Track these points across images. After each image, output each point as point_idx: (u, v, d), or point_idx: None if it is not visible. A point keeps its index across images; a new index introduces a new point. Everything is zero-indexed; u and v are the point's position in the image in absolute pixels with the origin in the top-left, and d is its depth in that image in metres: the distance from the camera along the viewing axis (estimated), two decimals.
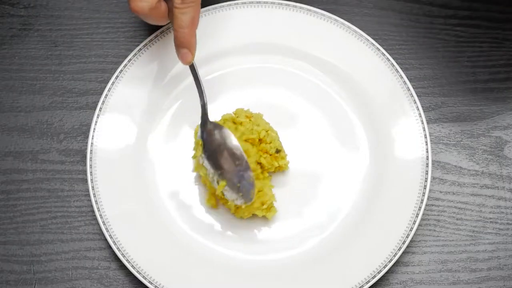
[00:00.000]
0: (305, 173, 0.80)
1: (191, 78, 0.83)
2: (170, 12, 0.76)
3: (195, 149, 0.78)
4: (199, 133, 0.78)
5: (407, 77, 0.82)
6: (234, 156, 0.76)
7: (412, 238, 0.78)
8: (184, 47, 0.76)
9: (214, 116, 0.79)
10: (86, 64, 0.86)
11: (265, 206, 0.77)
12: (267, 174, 0.78)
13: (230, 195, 0.76)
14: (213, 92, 0.83)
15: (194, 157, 0.79)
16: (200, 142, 0.77)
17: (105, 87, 0.82)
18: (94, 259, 0.79)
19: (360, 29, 0.83)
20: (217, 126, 0.77)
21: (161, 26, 0.83)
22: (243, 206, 0.76)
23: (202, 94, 0.78)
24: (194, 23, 0.75)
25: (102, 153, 0.79)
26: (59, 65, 0.86)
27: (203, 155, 0.77)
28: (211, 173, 0.76)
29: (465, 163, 0.82)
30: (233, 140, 0.76)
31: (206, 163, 0.76)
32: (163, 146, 0.81)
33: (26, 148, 0.82)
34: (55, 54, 0.86)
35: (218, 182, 0.76)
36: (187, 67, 0.80)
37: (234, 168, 0.75)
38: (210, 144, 0.76)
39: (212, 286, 0.76)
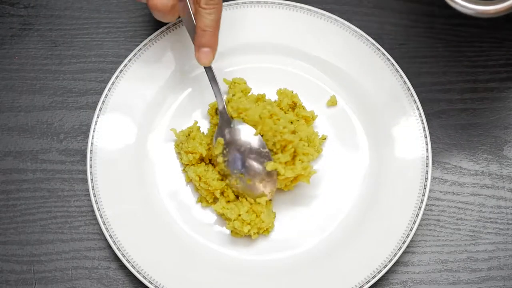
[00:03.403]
0: None
1: (191, 77, 0.83)
2: (181, 10, 0.76)
3: (214, 148, 0.78)
4: (218, 132, 0.78)
5: (407, 77, 0.82)
6: (260, 154, 0.76)
7: (412, 238, 0.78)
8: (207, 46, 0.76)
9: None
10: (86, 64, 0.86)
11: (261, 231, 0.78)
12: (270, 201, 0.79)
13: (241, 187, 0.76)
14: (213, 92, 0.83)
15: (184, 170, 0.80)
16: (222, 142, 0.77)
17: (105, 87, 0.82)
18: (94, 259, 0.79)
19: (360, 29, 0.83)
20: (241, 123, 0.77)
21: (161, 26, 0.83)
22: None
23: (221, 97, 0.78)
24: (218, 23, 0.76)
25: (102, 153, 0.79)
26: (59, 65, 0.86)
27: (225, 153, 0.77)
28: (234, 171, 0.77)
29: (465, 163, 0.82)
30: (257, 138, 0.76)
31: (228, 162, 0.77)
32: (163, 146, 0.81)
33: (26, 148, 0.82)
34: (55, 54, 0.86)
35: (239, 177, 0.76)
36: (187, 66, 0.80)
37: (259, 165, 0.76)
38: (235, 144, 0.77)
39: (212, 286, 0.76)
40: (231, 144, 0.77)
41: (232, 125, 0.77)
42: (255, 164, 0.76)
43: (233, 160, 0.77)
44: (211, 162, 0.80)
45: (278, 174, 0.76)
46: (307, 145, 0.79)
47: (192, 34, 0.77)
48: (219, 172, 0.78)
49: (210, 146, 0.79)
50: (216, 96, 0.78)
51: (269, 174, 0.76)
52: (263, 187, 0.77)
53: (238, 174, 0.77)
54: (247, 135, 0.77)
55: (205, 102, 0.82)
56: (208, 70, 0.78)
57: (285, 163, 0.76)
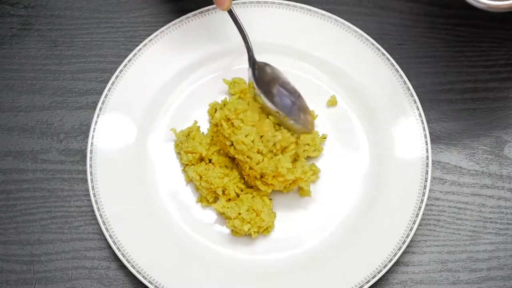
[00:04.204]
0: None
1: (191, 77, 0.83)
2: None
3: (248, 91, 0.79)
4: (249, 74, 0.78)
5: (407, 77, 0.82)
6: (289, 89, 0.77)
7: (412, 238, 0.78)
8: None
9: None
10: (86, 64, 0.86)
11: (261, 230, 0.78)
12: (270, 199, 0.79)
13: (293, 124, 0.76)
14: (213, 92, 0.83)
15: (184, 170, 0.80)
16: (252, 84, 0.78)
17: (105, 87, 0.82)
18: (94, 259, 0.79)
19: (360, 29, 0.83)
20: (266, 63, 0.78)
21: (161, 26, 0.83)
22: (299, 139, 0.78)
23: (245, 35, 0.79)
24: None
25: (102, 153, 0.79)
26: (59, 65, 0.86)
27: (260, 94, 0.77)
28: (273, 109, 0.77)
29: (465, 163, 0.82)
30: (283, 74, 0.78)
31: (264, 100, 0.77)
32: (163, 146, 0.81)
33: (26, 148, 0.82)
34: (55, 54, 0.86)
35: (280, 115, 0.76)
36: (187, 66, 0.80)
37: (291, 100, 0.77)
38: (264, 80, 0.78)
39: (212, 286, 0.76)
40: (260, 81, 0.78)
41: (258, 64, 0.78)
42: (287, 101, 0.78)
43: (273, 98, 0.77)
44: (211, 161, 0.80)
45: (279, 175, 0.76)
46: (307, 145, 0.79)
47: None
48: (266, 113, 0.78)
49: (210, 145, 0.79)
50: (241, 36, 0.79)
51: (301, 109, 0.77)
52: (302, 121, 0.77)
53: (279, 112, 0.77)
54: (273, 71, 0.78)
55: (205, 102, 0.82)
56: (230, 13, 0.78)
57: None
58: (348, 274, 0.75)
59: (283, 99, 0.77)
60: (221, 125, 0.77)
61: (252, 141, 0.75)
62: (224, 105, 0.78)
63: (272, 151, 0.76)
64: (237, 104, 0.77)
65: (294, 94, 0.77)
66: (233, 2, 0.83)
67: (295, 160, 0.77)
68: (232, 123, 0.77)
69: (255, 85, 0.77)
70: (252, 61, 0.79)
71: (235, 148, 0.76)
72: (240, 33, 0.79)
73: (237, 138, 0.76)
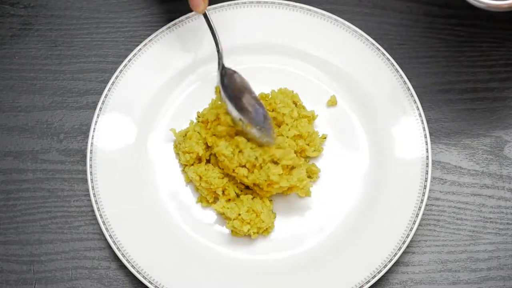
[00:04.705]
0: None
1: (190, 77, 0.83)
2: None
3: (216, 97, 0.79)
4: (217, 79, 0.78)
5: (407, 77, 0.82)
6: (255, 99, 0.77)
7: (412, 238, 0.78)
8: None
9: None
10: (86, 64, 0.86)
11: (261, 231, 0.78)
12: (270, 200, 0.79)
13: (255, 132, 0.76)
14: (213, 92, 0.83)
15: (183, 171, 0.80)
16: (218, 89, 0.77)
17: (105, 87, 0.82)
18: (94, 259, 0.79)
19: (360, 29, 0.83)
20: (234, 71, 0.78)
21: (161, 26, 0.83)
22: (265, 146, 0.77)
23: (217, 40, 0.79)
24: None
25: (102, 153, 0.79)
26: (59, 65, 0.86)
27: (225, 99, 0.77)
28: (236, 116, 0.76)
29: (465, 163, 0.82)
30: (249, 84, 0.77)
31: (230, 107, 0.76)
32: (163, 146, 0.81)
33: (26, 148, 0.82)
34: (55, 54, 0.86)
35: (243, 123, 0.76)
36: (187, 66, 0.79)
37: (256, 109, 0.76)
38: (232, 87, 0.77)
39: (212, 286, 0.76)
40: (228, 87, 0.77)
41: (227, 70, 0.78)
42: (251, 107, 0.77)
43: (233, 106, 0.77)
44: (209, 161, 0.79)
45: (273, 183, 0.76)
46: (307, 144, 0.79)
47: None
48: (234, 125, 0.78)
49: (209, 144, 0.79)
50: (213, 40, 0.79)
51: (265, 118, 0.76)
52: (263, 132, 0.76)
53: (240, 120, 0.77)
54: (241, 79, 0.77)
55: (205, 102, 0.82)
56: (204, 16, 0.78)
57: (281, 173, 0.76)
58: (348, 274, 0.75)
59: (251, 107, 0.76)
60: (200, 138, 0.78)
61: (232, 153, 0.76)
62: (199, 117, 0.80)
63: (255, 165, 0.76)
64: (209, 116, 0.78)
65: (260, 104, 0.77)
66: (233, 2, 0.84)
67: (292, 167, 0.77)
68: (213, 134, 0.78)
69: (221, 90, 0.77)
70: (221, 67, 0.78)
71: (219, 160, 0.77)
72: (212, 37, 0.79)
73: (218, 150, 0.77)
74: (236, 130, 0.77)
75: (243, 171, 0.76)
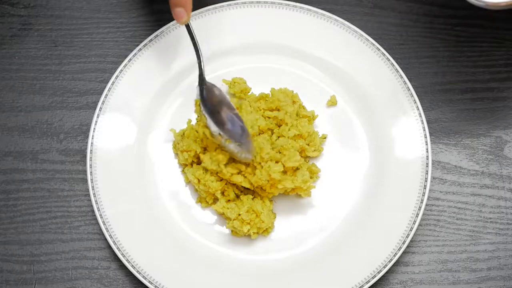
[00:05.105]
0: None
1: (190, 77, 0.83)
2: None
3: (196, 111, 0.78)
4: (197, 92, 0.78)
5: (407, 77, 0.82)
6: (234, 113, 0.76)
7: (412, 238, 0.78)
8: (179, 5, 0.75)
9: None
10: (86, 64, 0.86)
11: (261, 231, 0.78)
12: (270, 200, 0.79)
13: (233, 148, 0.75)
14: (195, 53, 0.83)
15: (183, 171, 0.80)
16: (198, 102, 0.77)
17: (105, 87, 0.82)
18: (94, 259, 0.79)
19: (360, 29, 0.83)
20: (214, 84, 0.77)
21: (161, 26, 0.83)
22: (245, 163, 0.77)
23: (199, 52, 0.78)
24: None
25: (102, 153, 0.79)
26: (59, 65, 0.86)
27: (204, 112, 0.76)
28: (214, 130, 0.76)
29: (465, 163, 0.82)
30: (228, 98, 0.77)
31: (209, 121, 0.76)
32: (163, 146, 0.81)
33: (26, 148, 0.82)
34: (55, 54, 0.86)
35: (222, 138, 0.76)
36: (188, 66, 0.79)
37: (234, 124, 0.76)
38: (211, 101, 0.77)
39: (212, 286, 0.76)
40: (207, 101, 0.77)
41: (207, 83, 0.77)
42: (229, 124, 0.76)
43: (212, 120, 0.76)
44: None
45: (275, 182, 0.76)
46: (307, 144, 0.79)
47: None
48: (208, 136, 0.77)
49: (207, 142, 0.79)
50: (194, 51, 0.78)
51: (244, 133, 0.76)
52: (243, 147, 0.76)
53: (220, 135, 0.76)
54: (221, 93, 0.77)
55: None
56: (187, 27, 0.77)
57: (285, 172, 0.76)
58: (348, 274, 0.75)
59: (230, 121, 0.76)
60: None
61: (217, 169, 0.76)
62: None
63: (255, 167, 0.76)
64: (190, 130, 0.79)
65: (239, 118, 0.76)
66: (233, 2, 0.83)
67: (297, 169, 0.78)
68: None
69: (201, 104, 0.77)
70: (201, 80, 0.78)
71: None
72: (194, 49, 0.78)
73: (205, 165, 0.77)
74: (215, 144, 0.77)
75: (239, 179, 0.76)
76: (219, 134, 0.75)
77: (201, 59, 0.78)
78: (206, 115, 0.76)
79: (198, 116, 0.79)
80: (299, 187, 0.77)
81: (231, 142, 0.75)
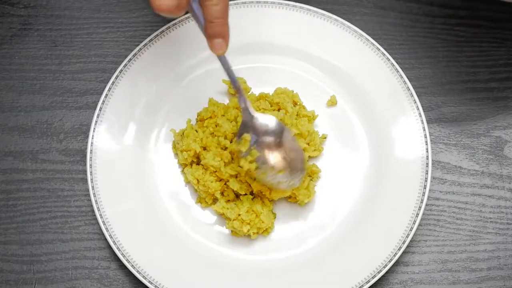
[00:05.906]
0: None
1: (190, 77, 0.83)
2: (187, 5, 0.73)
3: (240, 145, 0.75)
4: (242, 128, 0.75)
5: (407, 77, 0.82)
6: (292, 148, 0.76)
7: (412, 238, 0.78)
8: (219, 37, 0.71)
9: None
10: (86, 64, 0.86)
11: (260, 231, 0.78)
12: (270, 201, 0.79)
13: (281, 177, 0.75)
14: (213, 92, 0.83)
15: (183, 171, 0.80)
16: (249, 138, 0.75)
17: (105, 87, 0.82)
18: (94, 259, 0.79)
19: (360, 29, 0.83)
20: (268, 119, 0.76)
21: (161, 26, 0.83)
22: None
23: (236, 84, 0.74)
24: (226, 12, 0.71)
25: (102, 153, 0.79)
26: (59, 65, 0.86)
27: (257, 147, 0.75)
28: (263, 166, 0.75)
29: (465, 163, 0.82)
30: (288, 131, 0.76)
31: (263, 155, 0.75)
32: (163, 146, 0.81)
33: (26, 148, 0.82)
34: (55, 54, 0.86)
35: (271, 170, 0.75)
36: (187, 66, 0.79)
37: (291, 158, 0.76)
38: (264, 138, 0.76)
39: (212, 286, 0.76)
40: (259, 139, 0.76)
41: (255, 120, 0.75)
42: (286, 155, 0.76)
43: (263, 154, 0.75)
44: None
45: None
46: (307, 144, 0.79)
47: (201, 26, 0.71)
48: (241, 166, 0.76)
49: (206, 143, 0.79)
50: (236, 91, 0.75)
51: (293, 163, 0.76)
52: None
53: (266, 168, 0.76)
54: (279, 128, 0.76)
55: (205, 102, 0.82)
56: (223, 60, 0.73)
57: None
58: (348, 274, 0.75)
59: (294, 152, 0.76)
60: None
61: (220, 164, 0.76)
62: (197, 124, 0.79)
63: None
64: (205, 114, 0.78)
65: (296, 151, 0.76)
66: (233, 2, 0.83)
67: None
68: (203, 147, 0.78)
69: (253, 139, 0.75)
70: (249, 114, 0.75)
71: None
72: (231, 81, 0.74)
73: (206, 162, 0.77)
74: (215, 144, 0.77)
75: (236, 185, 0.76)
76: (272, 167, 0.75)
77: (241, 92, 0.74)
78: (260, 149, 0.75)
79: (238, 151, 0.76)
80: (301, 194, 0.77)
81: (283, 171, 0.75)
